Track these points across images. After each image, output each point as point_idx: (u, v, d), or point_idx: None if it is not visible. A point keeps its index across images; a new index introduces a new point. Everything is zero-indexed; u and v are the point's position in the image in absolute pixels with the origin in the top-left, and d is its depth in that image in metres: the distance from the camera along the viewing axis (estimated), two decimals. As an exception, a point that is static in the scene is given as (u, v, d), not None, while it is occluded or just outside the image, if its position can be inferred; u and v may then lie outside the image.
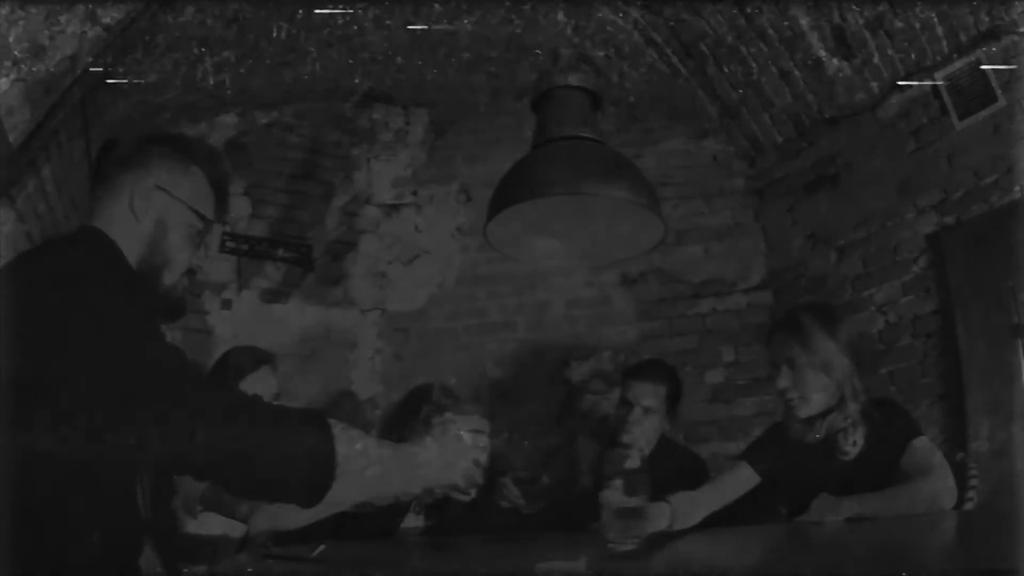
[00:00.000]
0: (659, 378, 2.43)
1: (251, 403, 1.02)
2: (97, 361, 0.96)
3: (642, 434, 2.36)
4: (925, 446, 1.77)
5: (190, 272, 1.30)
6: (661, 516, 1.63)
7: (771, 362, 1.90)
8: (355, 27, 3.17)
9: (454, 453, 1.14)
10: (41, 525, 1.02)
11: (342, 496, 1.03)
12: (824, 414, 1.83)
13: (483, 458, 1.17)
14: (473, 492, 1.19)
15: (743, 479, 1.91)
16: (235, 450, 0.96)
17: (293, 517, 1.86)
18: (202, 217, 1.29)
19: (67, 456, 0.98)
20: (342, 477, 1.01)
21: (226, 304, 3.35)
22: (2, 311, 0.98)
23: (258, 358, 2.31)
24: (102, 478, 1.10)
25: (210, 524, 2.34)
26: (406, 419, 2.37)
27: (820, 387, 1.81)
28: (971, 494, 1.97)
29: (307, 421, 1.03)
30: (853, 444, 1.80)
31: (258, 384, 2.21)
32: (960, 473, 1.84)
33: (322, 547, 1.52)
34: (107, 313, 1.02)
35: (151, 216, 1.24)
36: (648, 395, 2.38)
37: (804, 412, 1.83)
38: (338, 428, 1.03)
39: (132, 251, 1.23)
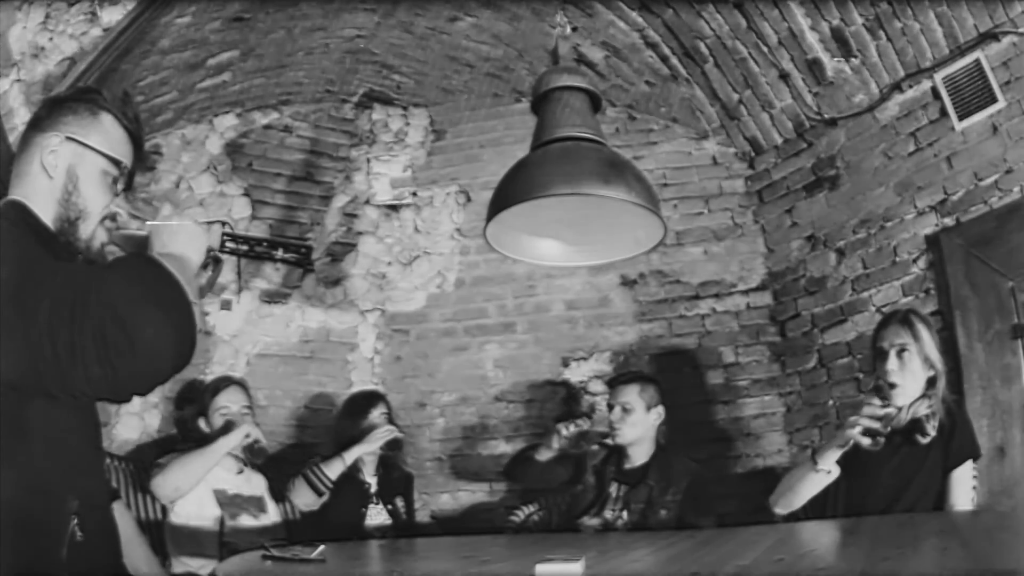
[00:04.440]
0: (631, 379, 2.73)
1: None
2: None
3: (628, 430, 2.60)
4: (969, 472, 1.99)
5: (110, 218, 1.28)
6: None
7: (878, 347, 2.14)
8: (355, 27, 3.17)
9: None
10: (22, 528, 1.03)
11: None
12: (911, 403, 2.05)
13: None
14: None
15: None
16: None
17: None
18: (116, 162, 1.27)
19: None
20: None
21: (226, 305, 3.35)
22: None
23: (232, 380, 2.76)
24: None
25: (187, 514, 2.41)
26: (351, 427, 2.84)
27: (918, 377, 2.05)
28: (971, 494, 1.98)
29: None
30: (933, 427, 1.99)
31: (231, 397, 2.63)
32: (960, 473, 1.93)
33: (322, 547, 1.53)
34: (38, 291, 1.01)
35: (61, 169, 1.22)
36: (623, 394, 2.65)
37: (901, 401, 2.03)
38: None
39: (48, 212, 1.21)
